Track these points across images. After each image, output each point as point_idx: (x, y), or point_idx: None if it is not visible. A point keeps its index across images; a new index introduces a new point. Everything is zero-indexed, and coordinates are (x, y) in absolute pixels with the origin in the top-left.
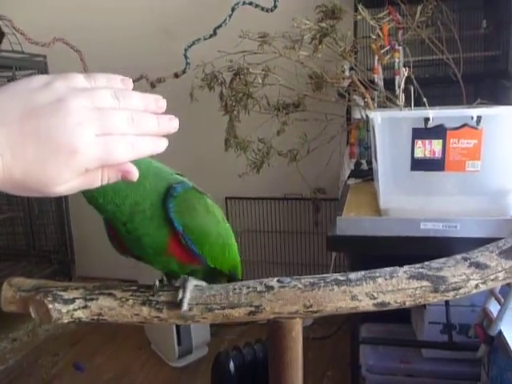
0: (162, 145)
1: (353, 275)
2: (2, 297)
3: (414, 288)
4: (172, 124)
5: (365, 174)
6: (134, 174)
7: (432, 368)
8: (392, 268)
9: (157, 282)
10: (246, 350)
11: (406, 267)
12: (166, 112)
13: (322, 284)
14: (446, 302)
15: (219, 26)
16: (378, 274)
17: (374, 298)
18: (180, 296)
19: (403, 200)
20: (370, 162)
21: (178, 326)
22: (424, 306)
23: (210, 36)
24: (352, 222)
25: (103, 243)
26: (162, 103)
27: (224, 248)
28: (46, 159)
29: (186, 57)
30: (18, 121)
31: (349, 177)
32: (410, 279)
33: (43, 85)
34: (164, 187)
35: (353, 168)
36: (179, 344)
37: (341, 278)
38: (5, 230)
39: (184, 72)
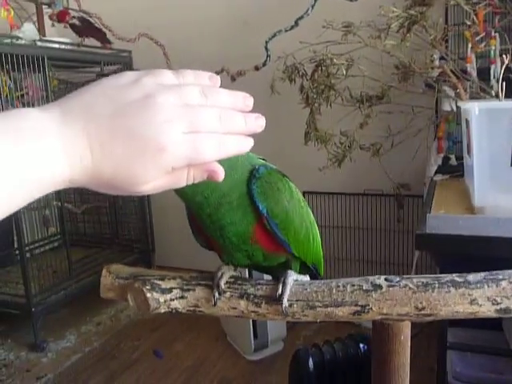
0: (248, 144)
1: (471, 277)
2: (102, 284)
3: None
4: (259, 122)
5: (453, 170)
6: (220, 173)
7: None
8: None
9: (222, 282)
10: (325, 347)
11: None
12: None
13: (437, 285)
14: None
15: (301, 17)
16: (501, 277)
17: (497, 304)
18: (279, 291)
19: (501, 197)
20: (459, 157)
21: (254, 320)
22: None
23: (292, 27)
24: (443, 219)
25: (182, 234)
26: (249, 101)
27: (308, 235)
28: (134, 157)
29: (266, 49)
30: (107, 117)
31: (436, 172)
32: None
33: (132, 81)
34: (249, 171)
35: (440, 163)
36: (255, 337)
37: (458, 280)
38: (91, 218)
39: (264, 64)
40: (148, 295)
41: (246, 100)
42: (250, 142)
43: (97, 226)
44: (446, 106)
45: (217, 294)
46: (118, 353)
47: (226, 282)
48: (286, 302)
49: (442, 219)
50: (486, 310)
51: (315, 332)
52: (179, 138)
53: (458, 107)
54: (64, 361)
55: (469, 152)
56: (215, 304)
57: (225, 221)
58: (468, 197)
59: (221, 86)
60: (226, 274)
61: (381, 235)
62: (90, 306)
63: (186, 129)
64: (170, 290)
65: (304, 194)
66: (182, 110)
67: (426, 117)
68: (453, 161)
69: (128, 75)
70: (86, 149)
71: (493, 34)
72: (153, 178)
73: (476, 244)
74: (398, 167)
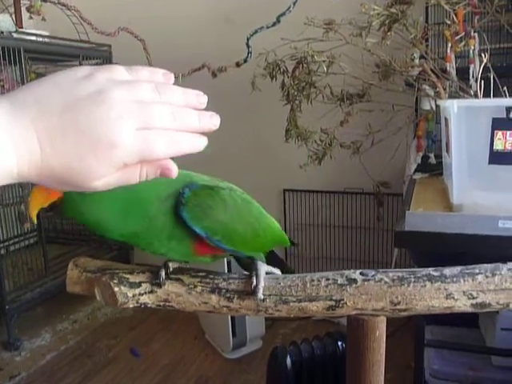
0: (201, 142)
1: (447, 271)
2: (68, 277)
3: None
4: (213, 121)
5: (433, 169)
6: (173, 170)
7: (503, 377)
8: (494, 265)
9: (162, 273)
10: (303, 346)
11: (510, 264)
12: (228, 101)
13: (413, 279)
14: None
15: (283, 14)
16: (477, 271)
17: (473, 298)
18: (254, 283)
19: (479, 195)
20: (438, 156)
21: (233, 318)
22: (497, 310)
23: (274, 24)
24: (422, 217)
25: None
26: (203, 99)
27: (257, 232)
28: (85, 152)
29: (248, 45)
30: (59, 112)
31: (415, 171)
32: None
33: (85, 76)
34: (175, 198)
35: (420, 162)
36: (234, 335)
37: (434, 274)
38: None
39: (246, 61)
40: (115, 289)
41: (199, 98)
42: (204, 141)
43: (74, 222)
44: (426, 105)
45: (163, 274)
46: (94, 351)
47: (204, 276)
48: (260, 296)
49: (421, 217)
50: (462, 305)
51: (294, 330)
52: (131, 134)
53: (437, 106)
54: (39, 359)
55: (448, 150)
56: (161, 286)
57: (164, 250)
58: (447, 195)
59: (202, 83)
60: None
61: (361, 233)
62: (67, 304)
63: (139, 125)
64: (138, 285)
65: (284, 191)
66: (135, 106)
67: (406, 115)
68: (432, 159)
69: (81, 70)
70: (35, 143)
71: (472, 33)
72: (104, 173)
73: (454, 241)
74: (378, 165)
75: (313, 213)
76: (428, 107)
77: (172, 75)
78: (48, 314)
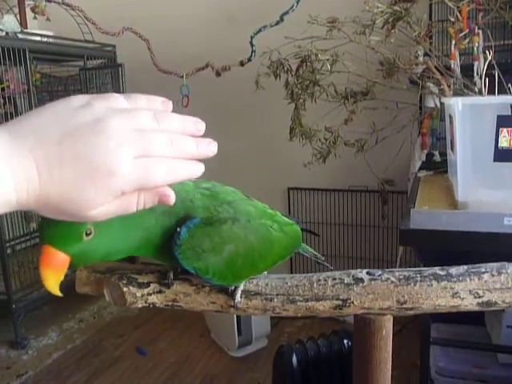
0: (199, 169)
1: (453, 270)
2: (77, 278)
3: None
4: (211, 148)
5: (437, 166)
6: (171, 197)
7: (509, 375)
8: (500, 263)
9: (171, 274)
10: (308, 344)
11: None
12: (232, 100)
13: (419, 278)
14: None
15: (286, 12)
16: (483, 270)
17: (479, 297)
18: (232, 287)
19: (484, 193)
20: (443, 154)
21: (238, 317)
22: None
23: (277, 23)
24: (427, 215)
25: None
26: (201, 126)
27: (256, 264)
28: (83, 181)
29: (251, 44)
30: (57, 141)
31: (420, 169)
32: None
33: (83, 105)
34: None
35: (424, 159)
36: (239, 334)
37: (440, 273)
38: None
39: (250, 60)
40: (124, 290)
41: (197, 125)
42: (201, 168)
43: None
44: (430, 103)
45: (171, 275)
46: (100, 350)
47: None
48: (238, 298)
49: (426, 215)
50: (468, 304)
51: (299, 328)
52: (130, 163)
53: (441, 103)
54: (45, 358)
55: (452, 148)
56: (169, 286)
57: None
58: (452, 192)
59: (206, 82)
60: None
61: (365, 231)
62: (73, 303)
63: (137, 153)
64: (147, 285)
65: (289, 190)
66: (133, 134)
67: (410, 113)
68: (437, 157)
69: (79, 98)
70: (34, 171)
71: (476, 30)
72: (102, 202)
73: (459, 239)
74: (383, 163)
75: (317, 211)
76: (432, 105)
77: (170, 103)
78: (54, 313)
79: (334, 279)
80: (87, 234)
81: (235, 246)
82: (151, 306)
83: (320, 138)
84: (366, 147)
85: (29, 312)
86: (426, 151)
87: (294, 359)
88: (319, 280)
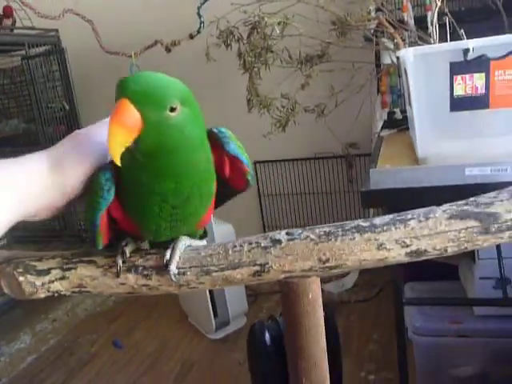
0: None
1: (378, 220)
2: None
3: (457, 230)
4: None
5: (399, 124)
6: None
7: (486, 326)
8: (427, 208)
9: (120, 261)
10: (281, 319)
11: (445, 205)
12: (186, 75)
13: (340, 233)
14: (499, 253)
15: None
16: (409, 217)
17: (407, 246)
18: (167, 257)
19: (444, 145)
20: (404, 111)
21: (212, 298)
22: (474, 259)
23: None
24: (387, 173)
25: None
26: None
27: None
28: None
29: (199, 15)
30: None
31: (382, 128)
32: (452, 219)
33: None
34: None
35: (386, 118)
36: (215, 316)
37: (363, 224)
38: None
39: (199, 32)
40: (21, 279)
41: None
42: None
43: (46, 221)
44: (386, 59)
45: (120, 262)
46: (76, 348)
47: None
48: (174, 269)
49: (385, 173)
50: (396, 255)
51: (278, 303)
52: None
53: (397, 58)
54: (19, 363)
55: (410, 103)
56: (118, 275)
57: (188, 211)
58: (414, 149)
59: (156, 59)
60: (131, 244)
61: (336, 197)
62: (45, 303)
63: None
64: (47, 272)
65: (255, 163)
66: None
67: (368, 72)
68: (398, 114)
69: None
70: None
71: None
72: None
73: (421, 195)
74: (345, 126)
75: (286, 182)
76: (389, 61)
77: None
78: (26, 316)
79: (251, 244)
80: (171, 110)
81: None
82: (56, 294)
83: (278, 106)
84: (325, 112)
85: None
86: (386, 110)
87: (267, 336)
88: (235, 246)
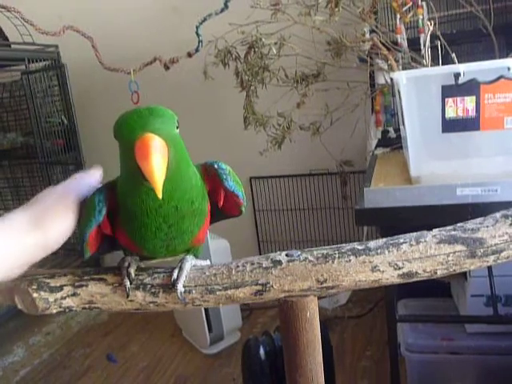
0: None
1: (372, 243)
2: None
3: (445, 254)
4: None
5: (393, 142)
6: None
7: (477, 344)
8: (418, 233)
9: (127, 283)
10: (276, 334)
11: (435, 230)
12: (184, 93)
13: (337, 255)
14: (490, 271)
15: None
16: (402, 241)
17: (399, 268)
18: (175, 276)
19: (436, 165)
20: (397, 130)
21: (207, 313)
22: (465, 277)
23: (222, 10)
24: (381, 192)
25: None
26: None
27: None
28: None
29: (198, 34)
30: None
31: (376, 146)
32: (441, 244)
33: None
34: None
35: (380, 137)
36: (210, 331)
37: (358, 247)
38: None
39: (197, 50)
40: (35, 295)
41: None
42: None
43: None
44: (381, 79)
45: (128, 284)
46: (69, 362)
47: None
48: (181, 288)
49: (380, 192)
50: (389, 276)
51: (272, 318)
52: None
53: (391, 79)
54: (11, 377)
55: (404, 123)
56: (128, 295)
57: (183, 229)
58: (407, 168)
59: (155, 76)
60: (134, 263)
61: (330, 214)
62: (38, 316)
63: None
64: (60, 288)
65: (251, 179)
66: None
67: (362, 91)
68: (392, 133)
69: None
70: None
71: (419, 3)
72: None
73: (414, 215)
74: (339, 144)
75: (281, 198)
76: (383, 81)
77: None
78: (19, 329)
79: (253, 264)
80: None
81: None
82: (67, 310)
83: (274, 124)
84: (321, 130)
85: None
86: (380, 128)
87: (262, 351)
88: (238, 266)
